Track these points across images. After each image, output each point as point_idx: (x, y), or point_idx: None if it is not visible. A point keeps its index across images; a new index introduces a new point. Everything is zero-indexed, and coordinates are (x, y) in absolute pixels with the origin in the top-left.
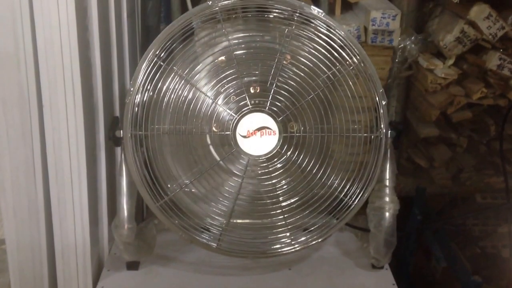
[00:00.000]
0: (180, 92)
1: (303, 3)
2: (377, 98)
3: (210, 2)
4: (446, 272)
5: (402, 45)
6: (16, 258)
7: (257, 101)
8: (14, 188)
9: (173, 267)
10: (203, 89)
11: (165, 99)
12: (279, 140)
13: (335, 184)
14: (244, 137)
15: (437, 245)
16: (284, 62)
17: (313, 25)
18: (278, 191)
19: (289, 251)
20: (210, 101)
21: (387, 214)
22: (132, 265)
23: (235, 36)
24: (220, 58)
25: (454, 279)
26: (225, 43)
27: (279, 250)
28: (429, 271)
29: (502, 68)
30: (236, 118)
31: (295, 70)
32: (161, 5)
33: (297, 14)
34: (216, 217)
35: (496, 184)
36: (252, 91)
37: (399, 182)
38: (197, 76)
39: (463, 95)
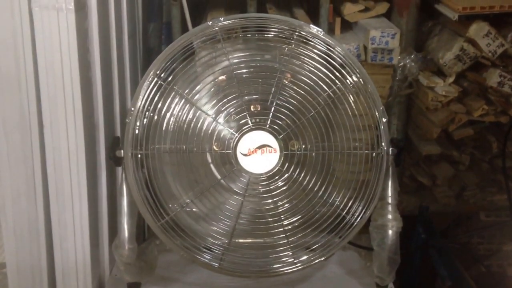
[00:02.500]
0: (180, 111)
1: (302, 22)
2: (377, 116)
3: (210, 22)
4: None
5: (402, 63)
6: (17, 280)
7: (257, 120)
8: (14, 209)
9: None
10: (204, 108)
11: (166, 119)
12: (280, 158)
13: (337, 202)
14: (245, 155)
15: (442, 264)
16: (284, 80)
17: (313, 44)
18: (279, 209)
19: (292, 270)
20: (211, 119)
21: (390, 232)
22: (133, 286)
23: (235, 55)
24: (220, 77)
25: None
26: (225, 63)
27: (282, 270)
28: None
29: (502, 85)
30: (237, 136)
31: (296, 88)
32: (163, 27)
33: (297, 33)
34: (218, 237)
35: (500, 202)
36: (252, 109)
37: (402, 200)
38: (197, 95)
39: (464, 112)
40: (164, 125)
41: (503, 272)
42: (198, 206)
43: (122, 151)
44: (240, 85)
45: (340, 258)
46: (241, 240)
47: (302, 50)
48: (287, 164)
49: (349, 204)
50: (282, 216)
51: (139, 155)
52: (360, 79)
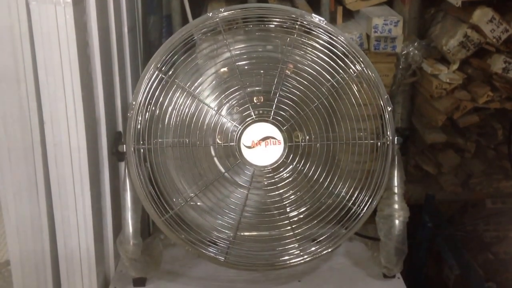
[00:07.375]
0: (182, 104)
1: (304, 11)
2: (382, 105)
3: (211, 13)
4: (460, 280)
5: (405, 51)
6: (21, 277)
7: (261, 111)
8: (17, 206)
9: (180, 283)
10: (206, 100)
11: (168, 112)
12: (284, 150)
13: (343, 193)
14: (249, 147)
15: (449, 252)
16: (287, 71)
17: (315, 33)
18: (285, 201)
19: (298, 262)
20: (214, 112)
21: (396, 221)
22: (139, 282)
23: (236, 46)
24: (222, 69)
25: (468, 287)
26: (227, 54)
27: (288, 262)
28: (442, 279)
29: (507, 71)
30: (240, 128)
31: (298, 79)
32: (163, 20)
33: (298, 23)
34: (223, 230)
35: (506, 189)
36: (255, 101)
37: (408, 190)
38: (199, 88)
39: (469, 99)
40: (166, 118)
41: (510, 258)
42: (202, 200)
43: (124, 146)
44: (242, 76)
45: (346, 249)
46: (246, 233)
47: (304, 40)
48: (291, 155)
49: (355, 194)
50: (287, 208)
51: (142, 150)
52: (364, 68)
